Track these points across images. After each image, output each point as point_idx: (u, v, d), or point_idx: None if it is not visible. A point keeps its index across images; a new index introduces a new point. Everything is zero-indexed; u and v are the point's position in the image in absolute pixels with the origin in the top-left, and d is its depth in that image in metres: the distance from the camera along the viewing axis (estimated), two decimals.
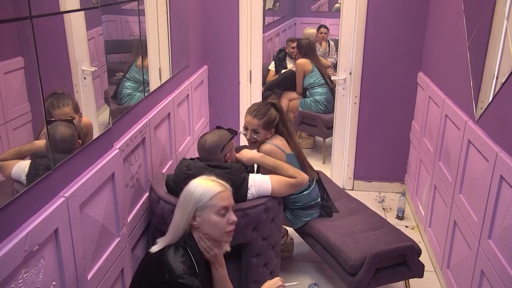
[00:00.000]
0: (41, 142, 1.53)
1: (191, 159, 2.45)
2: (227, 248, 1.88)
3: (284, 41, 7.13)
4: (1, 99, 1.35)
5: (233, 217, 1.75)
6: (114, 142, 2.09)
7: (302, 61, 4.83)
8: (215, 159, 2.36)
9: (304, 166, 2.72)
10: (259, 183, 2.38)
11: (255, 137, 2.64)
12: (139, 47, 2.46)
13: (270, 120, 2.64)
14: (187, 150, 3.34)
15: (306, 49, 4.81)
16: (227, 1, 3.81)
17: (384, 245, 2.51)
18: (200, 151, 2.40)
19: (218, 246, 1.81)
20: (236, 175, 2.31)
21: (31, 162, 1.49)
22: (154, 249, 1.77)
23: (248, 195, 2.35)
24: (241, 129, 2.71)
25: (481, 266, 2.18)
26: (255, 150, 2.71)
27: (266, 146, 2.63)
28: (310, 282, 2.88)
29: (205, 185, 1.75)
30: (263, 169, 2.57)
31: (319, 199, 2.85)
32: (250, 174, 2.41)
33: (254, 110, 2.66)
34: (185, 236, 1.76)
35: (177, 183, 2.33)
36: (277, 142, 2.66)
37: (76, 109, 1.75)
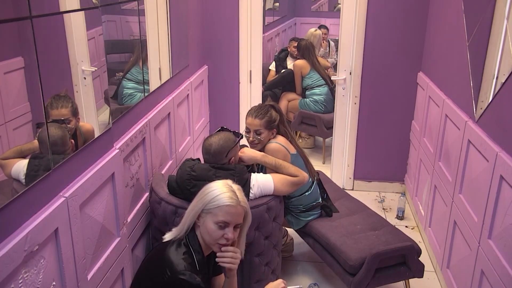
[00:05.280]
0: (37, 143, 1.53)
1: (193, 159, 2.46)
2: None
3: (284, 41, 7.14)
4: (1, 99, 1.35)
5: (230, 234, 1.74)
6: (114, 142, 2.09)
7: (299, 62, 4.85)
8: (219, 163, 2.36)
9: (307, 165, 2.75)
10: (261, 183, 2.39)
11: (258, 137, 2.64)
12: (140, 47, 2.46)
13: (272, 119, 2.65)
14: (187, 150, 3.34)
15: (304, 50, 4.84)
16: (227, 1, 3.82)
17: (384, 245, 2.51)
18: (205, 154, 2.40)
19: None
20: (239, 176, 2.31)
21: (28, 162, 1.49)
22: (167, 237, 1.81)
23: (251, 195, 2.36)
24: (242, 132, 2.71)
25: (481, 266, 2.18)
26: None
27: (272, 145, 2.64)
28: (310, 282, 2.88)
29: (220, 192, 1.75)
30: (267, 169, 2.58)
31: (320, 199, 2.86)
32: (252, 174, 2.42)
33: (254, 111, 2.67)
34: (188, 232, 1.78)
35: (180, 184, 2.33)
36: (282, 141, 2.67)
37: (75, 112, 1.74)
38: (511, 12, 2.06)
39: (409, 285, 2.69)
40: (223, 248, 1.77)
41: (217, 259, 1.80)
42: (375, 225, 2.75)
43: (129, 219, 2.25)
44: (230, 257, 1.78)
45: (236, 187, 1.81)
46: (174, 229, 1.84)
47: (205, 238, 1.77)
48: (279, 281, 1.87)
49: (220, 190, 1.76)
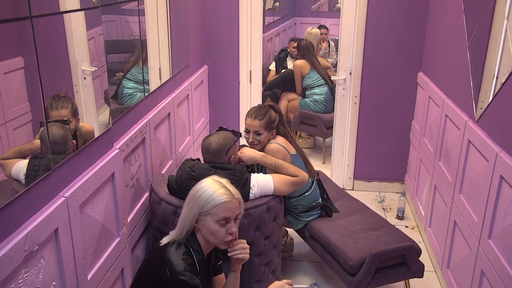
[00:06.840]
0: (37, 142, 1.53)
1: (193, 159, 2.46)
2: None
3: (284, 41, 7.14)
4: (1, 99, 1.35)
5: (233, 228, 1.75)
6: (114, 142, 2.09)
7: (299, 62, 4.85)
8: (219, 162, 2.36)
9: (307, 166, 2.75)
10: (261, 183, 2.39)
11: (258, 138, 2.64)
12: (140, 47, 2.46)
13: (271, 120, 2.65)
14: (187, 150, 3.34)
15: (304, 50, 4.84)
16: (227, 1, 3.82)
17: (384, 245, 2.51)
18: (204, 153, 2.40)
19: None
20: (239, 176, 2.31)
21: (28, 162, 1.49)
22: (164, 240, 1.81)
23: (251, 195, 2.36)
24: (242, 132, 2.71)
25: (481, 266, 2.18)
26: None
27: (272, 145, 2.64)
28: (310, 282, 2.88)
29: (212, 191, 1.75)
30: (267, 168, 2.58)
31: (320, 199, 2.86)
32: (252, 174, 2.42)
33: (254, 112, 2.67)
34: (188, 235, 1.78)
35: (180, 184, 2.33)
36: (282, 142, 2.67)
37: (75, 113, 1.74)
38: (511, 12, 2.06)
39: (409, 285, 2.69)
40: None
41: (228, 254, 1.82)
42: (375, 225, 2.75)
43: (129, 219, 2.25)
44: (241, 248, 1.81)
45: (224, 180, 1.81)
46: (171, 233, 1.83)
47: (209, 239, 1.78)
48: (284, 281, 1.87)
49: (212, 188, 1.76)
